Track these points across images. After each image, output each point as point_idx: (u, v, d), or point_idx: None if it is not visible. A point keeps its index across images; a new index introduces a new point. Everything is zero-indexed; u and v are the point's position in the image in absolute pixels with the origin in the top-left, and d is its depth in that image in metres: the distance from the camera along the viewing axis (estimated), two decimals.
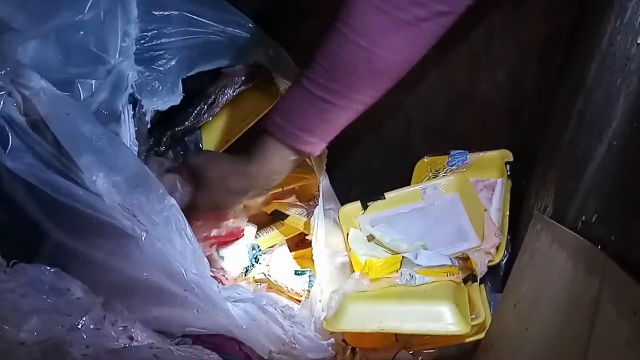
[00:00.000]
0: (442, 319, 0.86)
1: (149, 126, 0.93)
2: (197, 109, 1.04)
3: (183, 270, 0.77)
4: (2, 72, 0.70)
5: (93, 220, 0.72)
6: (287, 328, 0.86)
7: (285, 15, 1.12)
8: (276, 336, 0.85)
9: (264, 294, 0.93)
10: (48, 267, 0.68)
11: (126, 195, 0.74)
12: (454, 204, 1.08)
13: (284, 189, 1.17)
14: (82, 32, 0.83)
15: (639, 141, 0.65)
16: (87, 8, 0.83)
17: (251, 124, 1.09)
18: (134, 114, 0.88)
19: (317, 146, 0.89)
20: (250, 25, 1.06)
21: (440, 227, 1.07)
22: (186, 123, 1.04)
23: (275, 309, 0.86)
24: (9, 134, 0.71)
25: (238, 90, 1.06)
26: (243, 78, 1.07)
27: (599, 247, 0.66)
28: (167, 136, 1.04)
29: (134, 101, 0.90)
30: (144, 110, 0.91)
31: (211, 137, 1.10)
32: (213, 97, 1.05)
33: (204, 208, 0.94)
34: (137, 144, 0.87)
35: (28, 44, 0.78)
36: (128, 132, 0.85)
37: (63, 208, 0.71)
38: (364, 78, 0.84)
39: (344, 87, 0.84)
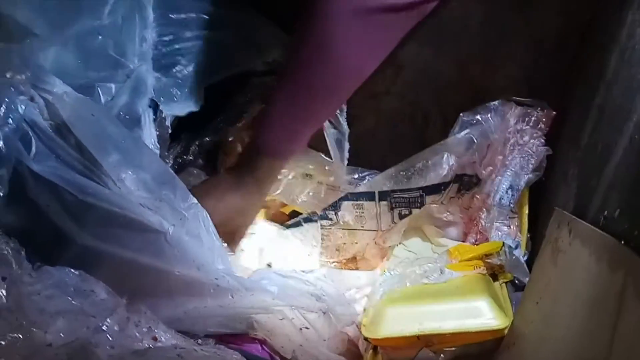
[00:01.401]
0: (482, 315, 0.85)
1: (169, 131, 0.94)
2: (226, 118, 1.05)
3: (212, 261, 0.77)
4: (24, 77, 0.71)
5: (119, 218, 0.72)
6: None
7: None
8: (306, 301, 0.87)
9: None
10: (72, 270, 0.68)
11: (154, 192, 0.75)
12: None
13: None
14: (100, 37, 0.84)
15: None
16: (105, 14, 0.84)
17: None
18: (154, 118, 0.89)
19: (292, 153, 0.94)
20: (268, 24, 1.06)
21: None
22: (215, 132, 1.05)
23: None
24: (32, 138, 0.72)
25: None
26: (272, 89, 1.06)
27: (622, 242, 0.65)
28: (196, 145, 1.04)
29: (154, 106, 0.90)
30: (163, 115, 0.92)
31: (235, 150, 1.08)
32: (242, 107, 1.05)
33: None
34: (159, 147, 0.88)
35: (49, 50, 0.79)
36: (150, 135, 0.86)
37: (88, 209, 0.71)
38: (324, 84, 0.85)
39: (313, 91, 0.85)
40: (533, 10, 1.07)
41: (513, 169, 1.04)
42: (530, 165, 1.04)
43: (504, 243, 0.96)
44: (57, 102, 0.73)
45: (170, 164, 0.99)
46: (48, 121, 0.73)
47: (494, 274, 0.97)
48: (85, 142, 0.73)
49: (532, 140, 1.03)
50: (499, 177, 1.04)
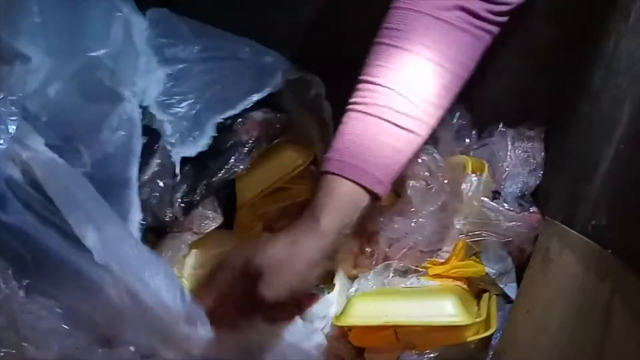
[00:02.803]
0: (445, 312, 0.87)
1: (178, 178, 0.95)
2: (232, 159, 1.03)
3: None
4: (11, 135, 0.72)
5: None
6: None
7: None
8: None
9: None
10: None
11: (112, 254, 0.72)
12: None
13: (297, 201, 1.17)
14: (98, 69, 0.85)
15: None
16: (101, 44, 0.85)
17: (289, 176, 1.07)
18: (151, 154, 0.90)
19: (386, 187, 0.73)
20: (270, 53, 1.06)
21: None
22: (221, 172, 1.03)
23: None
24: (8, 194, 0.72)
25: (273, 141, 1.06)
26: (277, 127, 1.06)
27: (610, 251, 0.66)
28: (203, 185, 1.02)
29: (153, 144, 0.91)
30: (172, 159, 0.92)
31: (246, 187, 1.08)
32: (248, 146, 1.04)
33: (280, 299, 0.71)
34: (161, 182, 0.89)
35: (52, 88, 0.80)
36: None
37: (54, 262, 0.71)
38: (434, 94, 0.74)
39: (416, 107, 0.72)
40: (527, 20, 1.07)
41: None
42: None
43: (487, 273, 0.96)
44: (31, 161, 0.74)
45: (178, 204, 0.98)
46: (25, 177, 0.74)
47: (484, 290, 0.98)
48: (55, 200, 0.72)
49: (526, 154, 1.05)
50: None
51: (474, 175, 1.00)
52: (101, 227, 0.72)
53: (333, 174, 0.71)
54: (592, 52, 0.90)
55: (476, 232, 0.95)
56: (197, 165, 1.01)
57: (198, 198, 1.01)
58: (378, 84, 0.71)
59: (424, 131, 0.74)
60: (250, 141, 1.04)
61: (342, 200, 0.71)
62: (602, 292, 0.64)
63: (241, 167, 1.03)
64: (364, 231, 1.02)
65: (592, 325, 0.64)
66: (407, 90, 0.71)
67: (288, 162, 1.07)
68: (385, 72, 0.71)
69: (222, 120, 0.98)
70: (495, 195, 1.04)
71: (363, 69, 0.73)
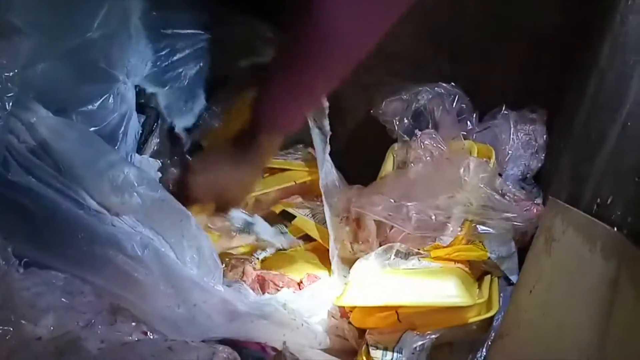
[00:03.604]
0: (446, 292, 0.87)
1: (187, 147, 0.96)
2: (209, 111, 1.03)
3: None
4: (8, 109, 0.70)
5: (95, 240, 0.71)
6: None
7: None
8: None
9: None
10: (59, 273, 0.68)
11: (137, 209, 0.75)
12: None
13: (296, 182, 1.17)
14: (92, 50, 0.84)
15: None
16: (95, 26, 0.83)
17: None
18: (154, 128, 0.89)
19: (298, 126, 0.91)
20: (260, 24, 1.05)
21: None
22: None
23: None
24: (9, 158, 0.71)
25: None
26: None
27: (615, 229, 0.65)
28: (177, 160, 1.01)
29: (152, 123, 0.91)
30: (176, 132, 0.94)
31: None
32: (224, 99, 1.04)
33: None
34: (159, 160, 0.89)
35: (41, 65, 0.79)
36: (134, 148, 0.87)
37: (65, 223, 0.71)
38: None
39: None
40: (530, 4, 1.06)
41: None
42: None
43: (489, 257, 0.96)
44: (39, 124, 0.73)
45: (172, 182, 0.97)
46: (24, 144, 0.72)
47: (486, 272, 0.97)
48: (67, 157, 0.72)
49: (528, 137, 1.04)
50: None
51: (480, 160, 0.99)
52: (117, 177, 0.74)
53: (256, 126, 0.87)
54: (598, 30, 0.89)
55: (479, 220, 0.95)
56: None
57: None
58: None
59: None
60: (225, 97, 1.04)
61: (263, 148, 0.89)
62: (607, 270, 0.63)
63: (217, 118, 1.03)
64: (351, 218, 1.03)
65: (597, 305, 0.63)
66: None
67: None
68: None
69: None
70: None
71: None
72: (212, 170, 0.90)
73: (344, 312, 0.95)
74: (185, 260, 0.77)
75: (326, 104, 1.04)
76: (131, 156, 0.86)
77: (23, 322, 0.60)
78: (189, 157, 1.01)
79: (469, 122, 1.08)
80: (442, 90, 1.08)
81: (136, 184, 0.74)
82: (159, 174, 0.91)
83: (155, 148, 0.90)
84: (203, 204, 0.92)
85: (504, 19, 1.08)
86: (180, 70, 0.95)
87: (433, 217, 0.95)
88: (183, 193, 0.88)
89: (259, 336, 0.83)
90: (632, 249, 0.59)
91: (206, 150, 1.03)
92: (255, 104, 0.87)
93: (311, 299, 0.95)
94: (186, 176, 0.90)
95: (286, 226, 1.15)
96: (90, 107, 0.82)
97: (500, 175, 1.03)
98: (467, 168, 0.98)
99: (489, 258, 0.96)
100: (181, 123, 0.94)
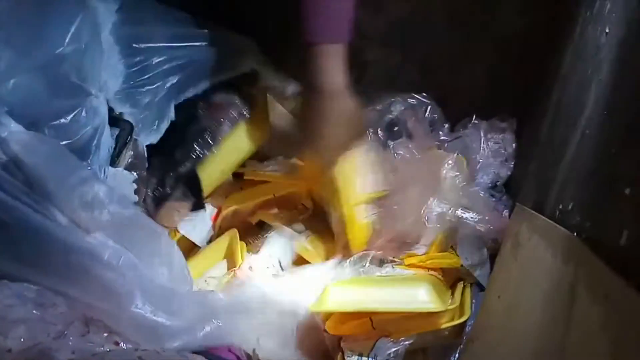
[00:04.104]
0: (418, 298, 0.89)
1: (147, 165, 0.95)
2: (197, 145, 1.03)
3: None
4: None
5: (67, 253, 0.72)
6: None
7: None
8: None
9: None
10: (31, 285, 0.69)
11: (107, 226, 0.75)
12: None
13: (275, 195, 1.18)
14: (64, 64, 0.84)
15: (609, 129, 0.67)
16: (67, 40, 0.84)
17: (247, 156, 1.11)
18: (126, 143, 0.90)
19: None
20: (237, 36, 1.07)
21: None
22: (188, 162, 1.03)
23: None
24: None
25: (235, 122, 1.06)
26: (240, 110, 1.07)
27: (575, 234, 0.67)
28: (171, 177, 1.02)
29: (126, 136, 0.91)
30: (140, 148, 0.93)
31: (207, 170, 1.08)
32: (211, 132, 1.04)
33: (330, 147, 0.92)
34: (134, 174, 0.89)
35: (13, 79, 0.79)
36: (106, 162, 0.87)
37: (38, 236, 0.71)
38: None
39: None
40: (497, 9, 1.08)
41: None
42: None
43: (462, 265, 0.98)
44: (10, 139, 0.74)
45: (149, 199, 0.99)
46: None
47: (460, 278, 0.99)
48: (38, 173, 0.73)
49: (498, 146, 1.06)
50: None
51: (452, 168, 1.01)
52: (87, 193, 0.74)
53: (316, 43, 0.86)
54: (560, 40, 0.92)
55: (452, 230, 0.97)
56: (164, 156, 1.01)
57: (168, 191, 1.01)
58: None
59: None
60: (213, 126, 1.04)
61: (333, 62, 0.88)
62: (567, 274, 0.65)
63: (206, 152, 1.03)
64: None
65: (558, 307, 0.65)
66: None
67: (244, 142, 1.09)
68: None
69: (181, 102, 0.99)
70: None
71: None
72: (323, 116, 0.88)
73: (321, 320, 0.96)
74: (156, 276, 0.77)
75: None
76: (104, 169, 0.86)
77: None
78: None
79: (440, 132, 1.09)
80: (414, 101, 1.09)
81: (106, 201, 0.75)
82: (134, 186, 0.91)
83: (129, 160, 0.91)
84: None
85: (471, 27, 1.10)
86: (152, 87, 0.94)
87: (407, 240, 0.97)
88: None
89: (235, 336, 0.84)
90: (588, 253, 0.61)
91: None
92: (305, 25, 0.86)
93: (288, 290, 0.96)
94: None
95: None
96: (62, 120, 0.82)
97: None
98: (441, 176, 1.00)
99: (461, 265, 0.98)
100: (147, 141, 0.94)
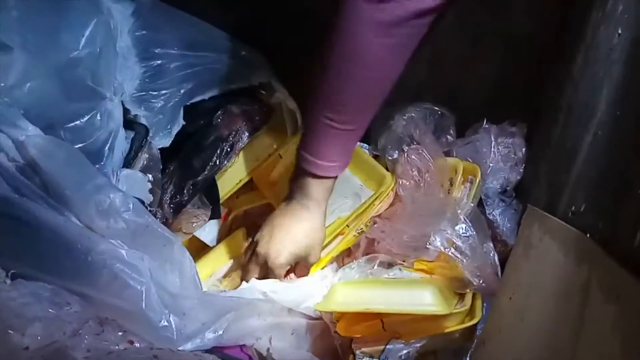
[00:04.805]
0: (423, 301, 0.90)
1: (161, 167, 0.96)
2: (215, 156, 1.04)
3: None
4: None
5: (83, 253, 0.73)
6: None
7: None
8: None
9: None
10: (46, 284, 0.69)
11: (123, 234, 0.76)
12: None
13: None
14: (79, 69, 0.85)
15: (622, 130, 0.67)
16: (82, 44, 0.85)
17: (263, 164, 1.12)
18: (141, 146, 0.91)
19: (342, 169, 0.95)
20: (250, 50, 1.08)
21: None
22: (206, 170, 1.04)
23: None
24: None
25: (253, 133, 1.08)
26: (257, 119, 1.08)
27: (588, 235, 0.67)
28: (190, 185, 1.02)
29: (141, 139, 0.92)
30: (154, 151, 0.94)
31: (224, 178, 1.09)
32: (230, 142, 1.05)
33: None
34: (149, 176, 0.91)
35: (29, 83, 0.81)
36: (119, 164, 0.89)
37: (55, 236, 0.72)
38: (369, 102, 0.88)
39: (358, 115, 0.88)
40: (506, 10, 1.09)
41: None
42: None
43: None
44: (28, 143, 0.75)
45: (167, 206, 0.99)
46: (13, 162, 0.75)
47: None
48: (55, 178, 0.74)
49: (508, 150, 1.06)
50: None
51: (465, 183, 1.02)
52: (103, 201, 0.75)
53: (306, 172, 0.92)
54: (571, 41, 0.92)
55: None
56: (182, 164, 1.02)
57: (186, 198, 1.01)
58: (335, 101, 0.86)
59: (364, 124, 0.91)
60: (231, 136, 1.04)
61: (323, 190, 0.94)
62: (579, 274, 0.65)
63: (225, 162, 1.04)
64: None
65: (570, 307, 0.65)
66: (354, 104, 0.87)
67: (261, 151, 1.10)
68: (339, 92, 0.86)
69: (199, 111, 1.00)
70: None
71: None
72: (285, 232, 0.94)
73: (331, 320, 0.96)
74: (167, 283, 0.78)
75: None
76: (117, 172, 0.87)
77: (10, 332, 0.61)
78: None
79: (448, 137, 1.10)
80: (414, 114, 1.10)
81: (122, 209, 0.76)
82: (149, 186, 0.92)
83: (144, 163, 0.91)
84: None
85: (481, 28, 1.10)
86: (166, 91, 0.95)
87: (417, 240, 0.97)
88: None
89: (246, 336, 0.85)
90: (601, 254, 0.61)
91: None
92: (301, 151, 0.92)
93: (296, 290, 0.96)
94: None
95: None
96: (77, 123, 0.83)
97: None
98: (451, 194, 1.01)
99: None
100: (160, 144, 0.95)
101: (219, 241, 1.13)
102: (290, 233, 0.95)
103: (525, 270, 0.82)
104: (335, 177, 0.94)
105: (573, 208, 0.75)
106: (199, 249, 1.12)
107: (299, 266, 0.99)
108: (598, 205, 0.69)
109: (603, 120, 0.72)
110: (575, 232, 0.69)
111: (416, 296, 0.91)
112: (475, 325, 0.89)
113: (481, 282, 0.95)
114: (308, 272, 1.00)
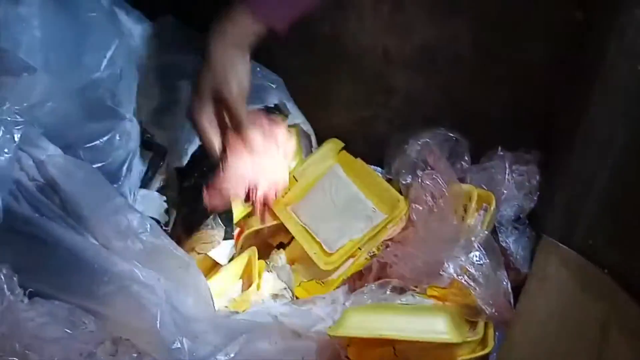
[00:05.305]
0: (436, 329, 0.88)
1: (176, 187, 0.97)
2: None
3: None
4: (16, 141, 0.73)
5: (101, 273, 0.74)
6: None
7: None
8: None
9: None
10: (62, 303, 0.70)
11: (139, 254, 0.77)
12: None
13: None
14: (99, 89, 0.87)
15: None
16: (104, 66, 0.87)
17: None
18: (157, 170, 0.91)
19: (284, 23, 0.86)
20: (266, 71, 1.09)
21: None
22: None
23: None
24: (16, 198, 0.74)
25: None
26: None
27: (606, 270, 0.67)
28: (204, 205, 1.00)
29: (159, 159, 0.93)
30: (170, 170, 0.95)
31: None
32: None
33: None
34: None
35: (50, 102, 0.82)
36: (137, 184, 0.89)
37: (72, 256, 0.73)
38: None
39: None
40: (522, 36, 1.09)
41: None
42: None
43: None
44: (48, 162, 0.76)
45: (180, 225, 1.00)
46: (33, 181, 0.76)
47: None
48: (74, 198, 0.75)
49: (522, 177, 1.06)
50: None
51: (479, 210, 1.02)
52: (121, 222, 0.76)
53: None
54: (588, 70, 0.91)
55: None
56: (196, 185, 1.02)
57: (200, 218, 1.02)
58: None
59: None
60: None
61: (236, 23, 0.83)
62: (598, 311, 0.65)
63: None
64: None
65: (587, 343, 0.65)
66: None
67: None
68: None
69: None
70: None
71: None
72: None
73: (341, 345, 0.96)
74: (181, 305, 0.79)
75: None
76: (134, 192, 0.88)
77: (28, 352, 0.62)
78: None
79: (463, 163, 1.10)
80: (429, 140, 1.10)
81: (139, 231, 0.77)
82: (165, 206, 0.93)
83: (161, 184, 0.92)
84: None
85: (496, 54, 1.11)
86: (183, 112, 0.95)
87: (430, 266, 0.96)
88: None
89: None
90: (622, 293, 0.61)
91: None
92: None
93: (307, 314, 0.97)
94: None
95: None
96: (96, 143, 0.85)
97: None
98: (465, 221, 1.01)
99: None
100: (176, 164, 0.96)
101: (230, 260, 1.14)
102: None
103: (541, 302, 0.82)
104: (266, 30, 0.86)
105: (591, 241, 0.75)
106: (209, 267, 1.12)
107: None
108: (616, 239, 0.69)
109: (622, 153, 0.72)
110: (593, 267, 0.69)
111: (429, 323, 0.90)
112: (487, 355, 0.89)
113: (494, 310, 0.95)
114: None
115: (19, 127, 0.75)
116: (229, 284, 1.11)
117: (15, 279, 0.68)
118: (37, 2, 0.83)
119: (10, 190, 0.73)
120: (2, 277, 0.67)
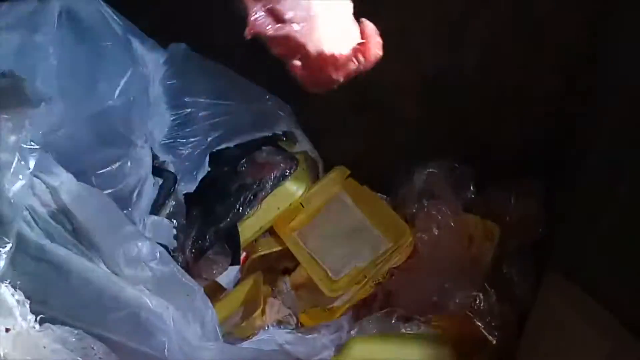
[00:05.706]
0: (440, 359, 0.90)
1: (185, 212, 0.97)
2: (239, 203, 1.06)
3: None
4: (31, 167, 0.74)
5: (112, 299, 0.74)
6: None
7: None
8: None
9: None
10: (72, 329, 0.70)
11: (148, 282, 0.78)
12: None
13: None
14: (112, 117, 0.88)
15: None
16: (117, 94, 0.88)
17: (284, 212, 1.13)
18: (171, 192, 0.92)
19: None
20: (275, 99, 1.10)
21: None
22: (229, 218, 1.05)
23: None
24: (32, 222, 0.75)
25: (277, 182, 1.09)
26: (281, 169, 1.10)
27: (611, 310, 0.67)
28: (212, 231, 1.04)
29: (169, 186, 0.94)
30: (180, 197, 0.96)
31: (245, 225, 1.10)
32: (254, 190, 1.07)
33: None
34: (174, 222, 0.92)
35: (64, 129, 0.83)
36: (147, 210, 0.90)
37: (83, 281, 0.74)
38: None
39: None
40: (531, 68, 1.09)
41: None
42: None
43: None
44: (61, 189, 0.77)
45: (188, 251, 1.01)
46: (46, 207, 0.76)
47: None
48: (86, 225, 0.76)
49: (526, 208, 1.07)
50: None
51: (484, 241, 1.03)
52: (131, 250, 0.77)
53: None
54: (598, 102, 0.92)
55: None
56: (205, 210, 1.03)
57: (208, 244, 1.03)
58: None
59: None
60: (255, 185, 1.06)
61: None
62: (602, 349, 0.65)
63: (248, 210, 1.06)
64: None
65: None
66: None
67: (282, 200, 1.12)
68: None
69: (224, 158, 1.02)
70: None
71: None
72: None
73: None
74: (188, 332, 0.79)
75: None
76: (144, 219, 0.88)
77: None
78: None
79: (468, 193, 1.11)
80: (435, 169, 1.12)
81: (149, 258, 0.78)
82: (174, 232, 0.94)
83: (171, 210, 0.93)
84: None
85: (505, 85, 1.11)
86: (194, 139, 0.98)
87: (435, 296, 0.97)
88: None
89: None
90: (626, 334, 0.61)
91: None
92: None
93: (311, 342, 0.97)
94: None
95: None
96: (109, 169, 0.86)
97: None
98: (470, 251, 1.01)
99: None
100: (185, 189, 0.97)
101: (235, 284, 1.14)
102: None
103: (546, 336, 0.82)
104: None
105: (596, 278, 0.75)
106: (214, 290, 1.13)
107: None
108: (623, 279, 0.69)
109: (631, 191, 0.73)
110: (598, 306, 0.69)
111: (433, 354, 0.91)
112: None
113: (499, 341, 0.96)
114: None
115: (33, 154, 0.76)
116: (234, 308, 1.11)
117: (27, 305, 0.69)
118: (53, 31, 0.84)
119: (24, 216, 0.74)
120: (16, 303, 0.68)
